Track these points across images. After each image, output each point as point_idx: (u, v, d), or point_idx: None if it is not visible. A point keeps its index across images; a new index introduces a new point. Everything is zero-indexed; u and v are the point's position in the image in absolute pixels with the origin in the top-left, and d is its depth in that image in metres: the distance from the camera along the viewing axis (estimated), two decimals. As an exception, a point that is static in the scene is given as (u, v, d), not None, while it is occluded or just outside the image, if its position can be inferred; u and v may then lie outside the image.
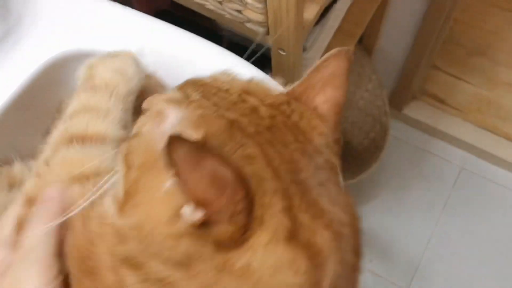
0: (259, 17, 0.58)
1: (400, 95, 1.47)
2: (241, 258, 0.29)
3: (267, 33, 0.62)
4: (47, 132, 0.63)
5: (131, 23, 0.59)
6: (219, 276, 0.29)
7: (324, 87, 0.39)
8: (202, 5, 0.63)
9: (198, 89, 0.37)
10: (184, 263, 0.29)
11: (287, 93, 0.39)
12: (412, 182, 1.49)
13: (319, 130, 0.37)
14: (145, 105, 0.38)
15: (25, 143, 0.60)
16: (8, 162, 0.57)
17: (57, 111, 0.62)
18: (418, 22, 1.23)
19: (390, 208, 1.45)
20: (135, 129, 0.37)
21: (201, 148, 0.29)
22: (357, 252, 0.34)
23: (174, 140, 0.27)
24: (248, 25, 0.61)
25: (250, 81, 0.39)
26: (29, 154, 0.61)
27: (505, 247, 1.39)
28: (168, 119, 0.34)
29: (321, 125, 0.37)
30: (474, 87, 1.51)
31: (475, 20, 1.53)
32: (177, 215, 0.29)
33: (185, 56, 0.56)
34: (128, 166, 0.33)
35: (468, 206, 1.45)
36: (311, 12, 0.61)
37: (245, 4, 0.57)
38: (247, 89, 0.38)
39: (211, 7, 0.62)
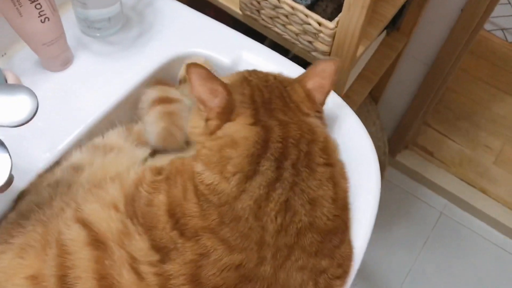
0: (325, 48, 0.79)
1: (395, 144, 1.70)
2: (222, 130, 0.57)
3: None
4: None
5: (230, 37, 0.79)
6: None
7: (314, 76, 0.61)
8: (280, 35, 0.84)
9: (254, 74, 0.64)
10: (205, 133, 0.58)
11: (294, 79, 0.63)
12: (397, 221, 1.69)
13: (305, 102, 0.60)
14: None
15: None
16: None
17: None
18: (418, 85, 1.46)
19: (376, 241, 1.63)
20: None
21: (207, 73, 0.56)
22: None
23: (192, 65, 0.56)
24: (314, 53, 0.82)
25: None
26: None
27: (475, 286, 1.58)
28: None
29: (306, 100, 0.60)
30: (458, 145, 1.75)
31: (464, 90, 1.80)
32: (203, 119, 0.59)
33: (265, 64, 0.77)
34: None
35: (444, 247, 1.64)
36: (359, 51, 0.83)
37: (317, 38, 0.78)
38: (278, 75, 0.64)
39: (288, 37, 0.83)
